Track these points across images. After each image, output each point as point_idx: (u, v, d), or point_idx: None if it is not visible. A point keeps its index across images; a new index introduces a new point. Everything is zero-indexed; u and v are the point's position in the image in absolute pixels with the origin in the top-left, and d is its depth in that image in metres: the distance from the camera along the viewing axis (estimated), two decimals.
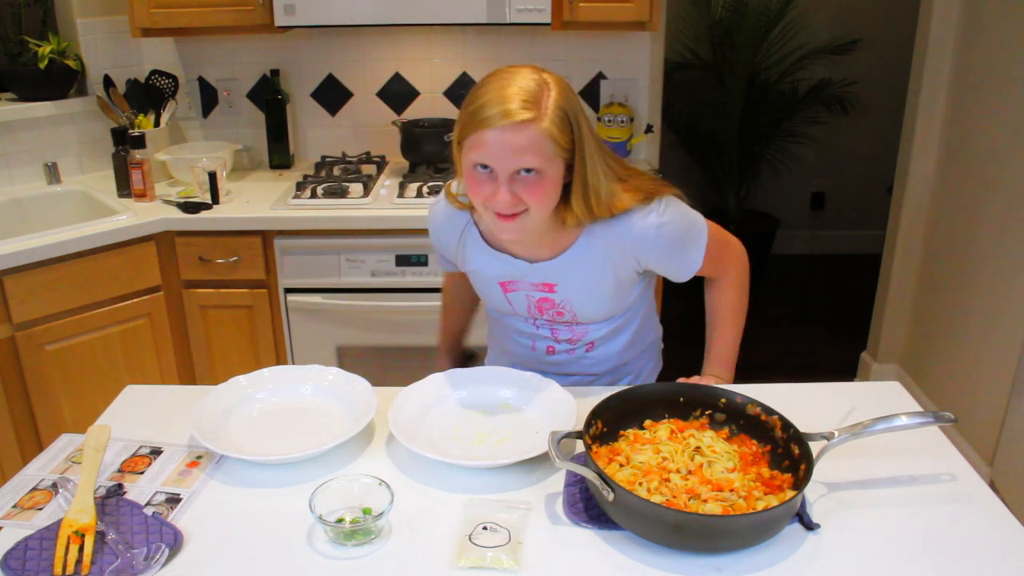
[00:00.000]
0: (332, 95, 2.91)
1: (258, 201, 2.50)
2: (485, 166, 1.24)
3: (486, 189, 1.26)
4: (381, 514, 1.07)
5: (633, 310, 1.53)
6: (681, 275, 1.46)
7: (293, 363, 2.52)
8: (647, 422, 1.26)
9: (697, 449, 1.17)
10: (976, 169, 2.70)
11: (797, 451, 1.15)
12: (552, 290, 1.44)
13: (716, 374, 1.53)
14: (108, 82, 2.71)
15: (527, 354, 1.58)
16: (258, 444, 1.29)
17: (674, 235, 1.39)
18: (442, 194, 1.49)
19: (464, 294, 1.70)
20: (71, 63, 2.63)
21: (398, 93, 2.89)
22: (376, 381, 1.41)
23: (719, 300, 1.56)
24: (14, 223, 2.46)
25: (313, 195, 2.47)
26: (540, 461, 1.22)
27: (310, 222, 2.38)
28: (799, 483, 1.10)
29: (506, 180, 1.23)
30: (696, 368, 1.55)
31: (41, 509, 1.16)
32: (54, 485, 1.21)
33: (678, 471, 1.13)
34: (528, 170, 1.23)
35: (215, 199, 2.46)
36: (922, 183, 3.02)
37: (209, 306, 2.48)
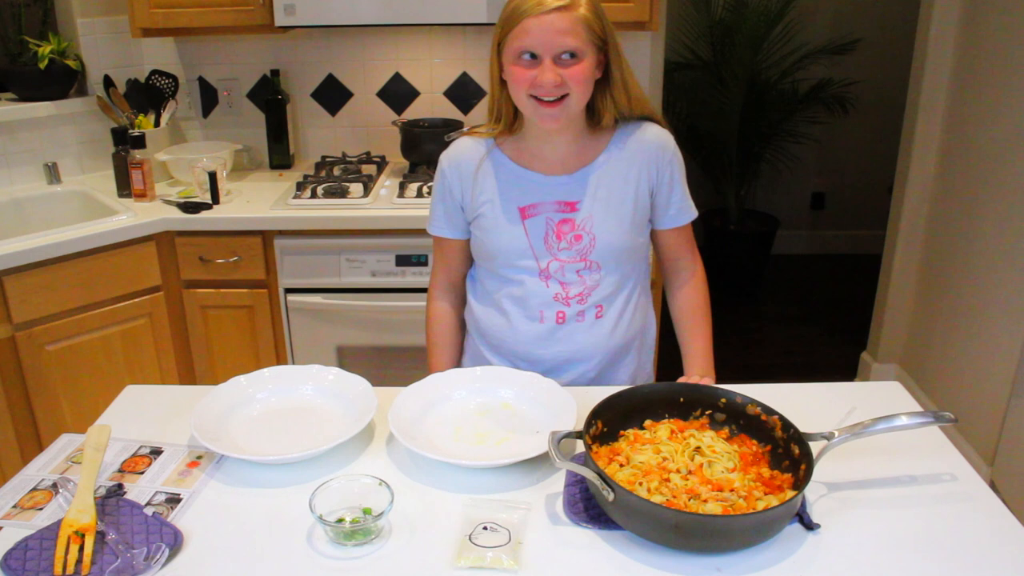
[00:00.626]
0: (332, 95, 2.91)
1: (258, 201, 2.51)
2: (530, 55, 1.34)
3: (530, 75, 1.35)
4: (381, 514, 1.07)
5: (637, 268, 1.56)
6: (680, 213, 1.54)
7: (293, 363, 2.52)
8: (647, 422, 1.26)
9: (697, 449, 1.17)
10: (976, 169, 2.70)
11: (797, 451, 1.15)
12: (574, 208, 1.46)
13: (702, 374, 1.53)
14: (108, 82, 2.71)
15: (533, 331, 1.52)
16: (258, 444, 1.29)
17: (682, 162, 1.54)
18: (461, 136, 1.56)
19: (459, 310, 1.66)
20: (71, 63, 2.63)
21: (398, 93, 2.89)
22: (376, 381, 1.40)
23: (693, 300, 1.59)
24: (14, 223, 2.46)
25: (313, 195, 2.47)
26: (540, 461, 1.22)
27: (310, 222, 2.38)
28: (799, 483, 1.10)
29: (549, 63, 1.34)
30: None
31: (41, 509, 1.16)
32: (54, 485, 1.21)
33: (678, 471, 1.13)
34: (569, 55, 1.34)
35: (215, 199, 2.46)
36: (922, 183, 3.02)
37: (209, 306, 2.48)
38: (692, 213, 1.56)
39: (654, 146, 1.49)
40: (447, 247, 1.61)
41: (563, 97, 1.36)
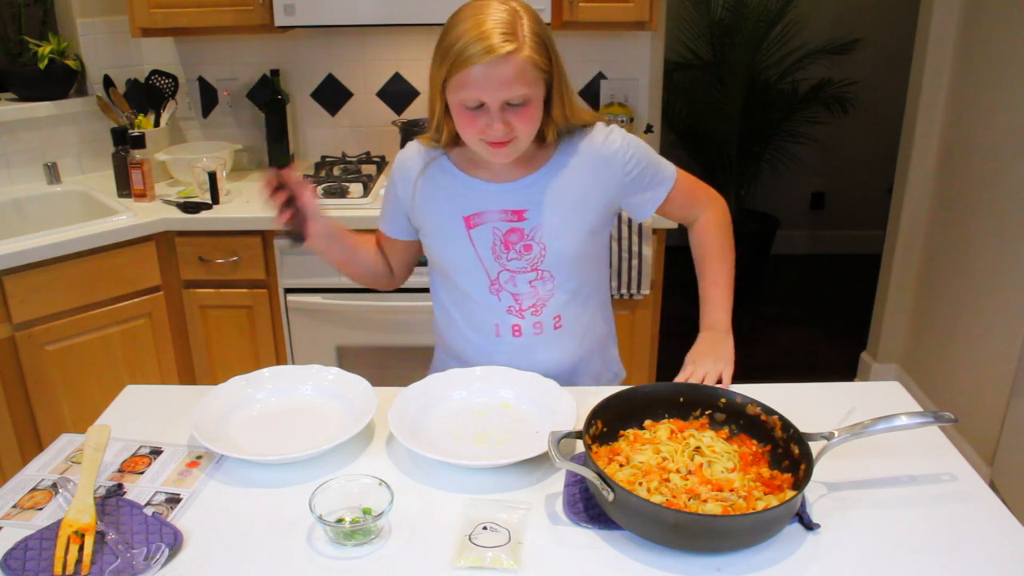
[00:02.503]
0: (332, 95, 2.91)
1: (258, 201, 2.50)
2: (478, 103, 1.29)
3: (479, 123, 1.31)
4: (381, 514, 1.07)
5: (593, 274, 1.51)
6: (659, 190, 1.47)
7: (293, 363, 2.52)
8: (647, 422, 1.26)
9: (697, 449, 1.17)
10: (976, 169, 2.70)
11: (797, 451, 1.15)
12: (522, 217, 1.42)
13: (715, 324, 1.48)
14: (108, 82, 2.71)
15: (489, 343, 1.50)
16: (258, 444, 1.29)
17: (642, 144, 1.47)
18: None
19: (381, 262, 1.59)
20: (71, 63, 2.63)
21: (398, 93, 2.89)
22: (376, 381, 1.40)
23: (703, 241, 1.55)
24: (14, 223, 2.47)
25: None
26: (540, 461, 1.22)
27: None
28: (799, 483, 1.10)
29: (497, 111, 1.29)
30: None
31: (41, 509, 1.16)
32: (54, 485, 1.21)
33: (678, 471, 1.13)
34: (518, 100, 1.29)
35: (215, 199, 2.46)
36: (922, 183, 3.02)
37: (209, 306, 2.48)
38: (670, 177, 1.49)
39: (606, 149, 1.43)
40: (389, 241, 1.57)
41: (513, 138, 1.33)
